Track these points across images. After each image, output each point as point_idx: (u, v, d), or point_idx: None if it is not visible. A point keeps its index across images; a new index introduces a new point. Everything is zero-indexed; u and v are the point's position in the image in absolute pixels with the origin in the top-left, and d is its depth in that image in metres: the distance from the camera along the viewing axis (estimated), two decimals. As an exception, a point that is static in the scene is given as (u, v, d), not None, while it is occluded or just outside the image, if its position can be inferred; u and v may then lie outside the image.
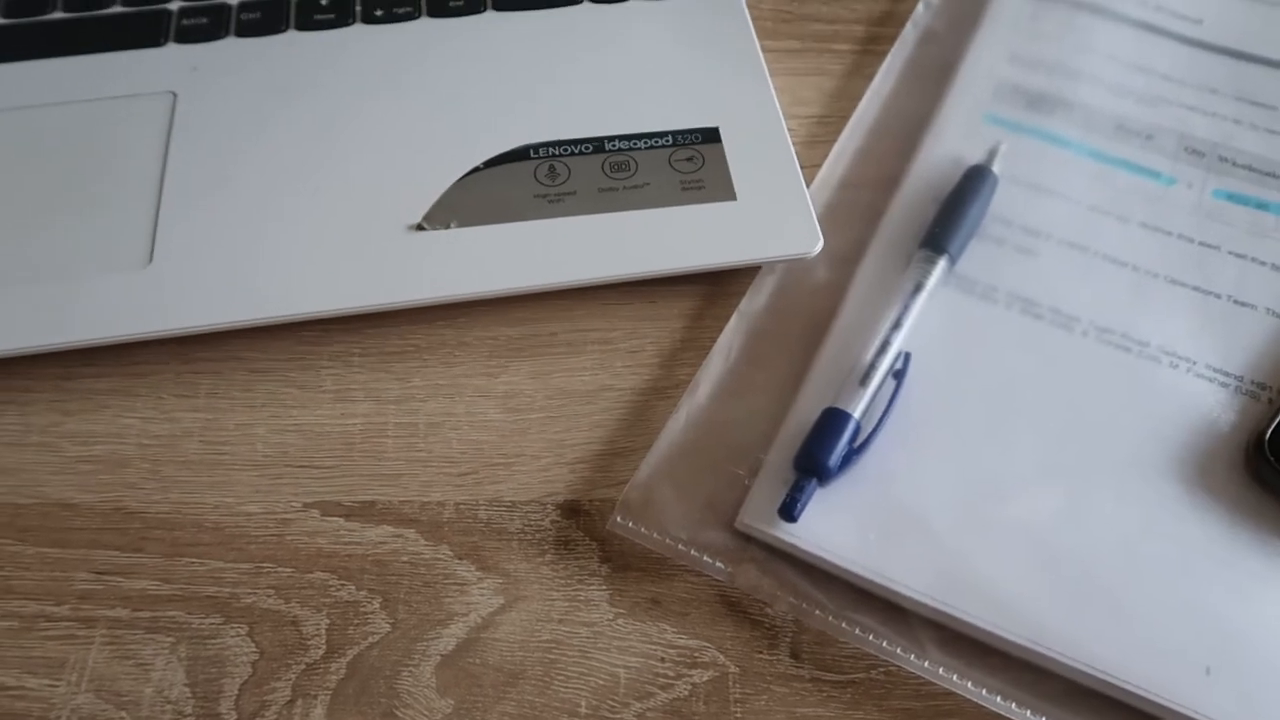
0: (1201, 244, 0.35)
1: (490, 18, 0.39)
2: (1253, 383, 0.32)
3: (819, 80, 0.40)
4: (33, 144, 0.36)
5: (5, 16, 0.39)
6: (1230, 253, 0.34)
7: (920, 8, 0.41)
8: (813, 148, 0.38)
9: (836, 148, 0.38)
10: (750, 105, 0.37)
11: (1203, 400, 0.32)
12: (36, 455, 0.32)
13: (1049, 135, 0.37)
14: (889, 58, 0.40)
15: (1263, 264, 0.34)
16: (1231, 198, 0.36)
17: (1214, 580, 0.29)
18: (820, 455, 0.30)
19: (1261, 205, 0.35)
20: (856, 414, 0.30)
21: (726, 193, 0.35)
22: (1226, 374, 0.32)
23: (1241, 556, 0.29)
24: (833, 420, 0.30)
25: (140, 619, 0.29)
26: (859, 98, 0.39)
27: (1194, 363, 0.32)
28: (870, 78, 0.39)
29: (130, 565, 0.30)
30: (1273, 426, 0.30)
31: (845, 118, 0.39)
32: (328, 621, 0.29)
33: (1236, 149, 0.37)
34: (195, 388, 0.33)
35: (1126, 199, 0.36)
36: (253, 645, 0.29)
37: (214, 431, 0.32)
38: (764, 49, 0.39)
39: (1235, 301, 0.33)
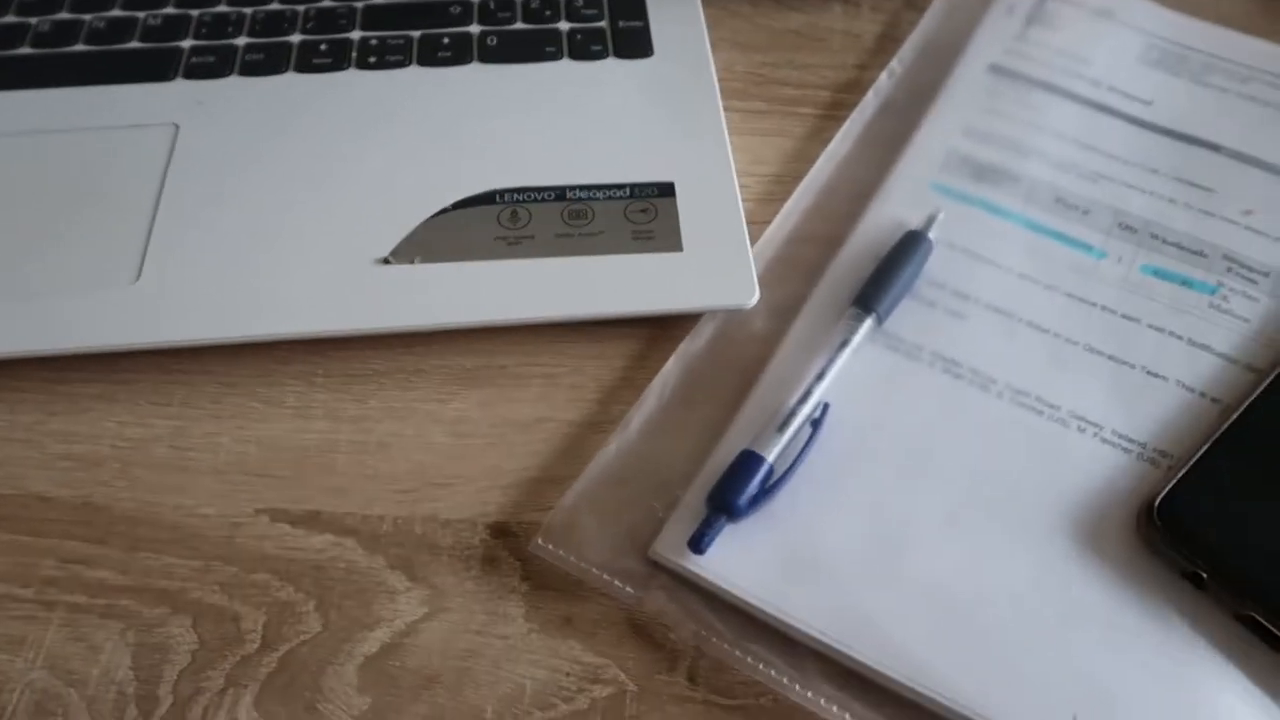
0: (1123, 316, 0.36)
1: (475, 68, 0.42)
2: (1155, 450, 0.33)
3: (780, 141, 0.43)
4: (41, 167, 0.39)
5: (32, 47, 0.42)
6: (1149, 325, 0.36)
7: (883, 77, 0.44)
8: (766, 205, 0.40)
9: (788, 205, 0.40)
10: (706, 163, 0.39)
11: (1105, 464, 0.33)
12: (21, 450, 0.35)
13: (990, 205, 0.39)
14: (847, 122, 0.42)
15: (1179, 338, 0.36)
16: (1158, 273, 0.37)
17: (1092, 636, 0.30)
18: (731, 494, 0.32)
19: (1186, 282, 0.37)
20: (770, 457, 0.32)
21: (674, 244, 0.37)
22: (1131, 440, 0.34)
23: (1121, 616, 0.30)
24: (747, 462, 0.32)
25: (96, 605, 0.32)
26: (816, 159, 0.41)
27: (1101, 428, 0.34)
28: (828, 141, 0.42)
29: (92, 556, 0.33)
30: (1162, 494, 0.31)
31: (800, 178, 0.41)
32: (265, 618, 0.31)
33: (1168, 227, 0.38)
34: (170, 396, 0.36)
35: (1057, 269, 0.38)
36: (194, 636, 0.31)
37: (182, 438, 0.35)
38: (732, 109, 0.41)
39: (1148, 372, 0.35)
